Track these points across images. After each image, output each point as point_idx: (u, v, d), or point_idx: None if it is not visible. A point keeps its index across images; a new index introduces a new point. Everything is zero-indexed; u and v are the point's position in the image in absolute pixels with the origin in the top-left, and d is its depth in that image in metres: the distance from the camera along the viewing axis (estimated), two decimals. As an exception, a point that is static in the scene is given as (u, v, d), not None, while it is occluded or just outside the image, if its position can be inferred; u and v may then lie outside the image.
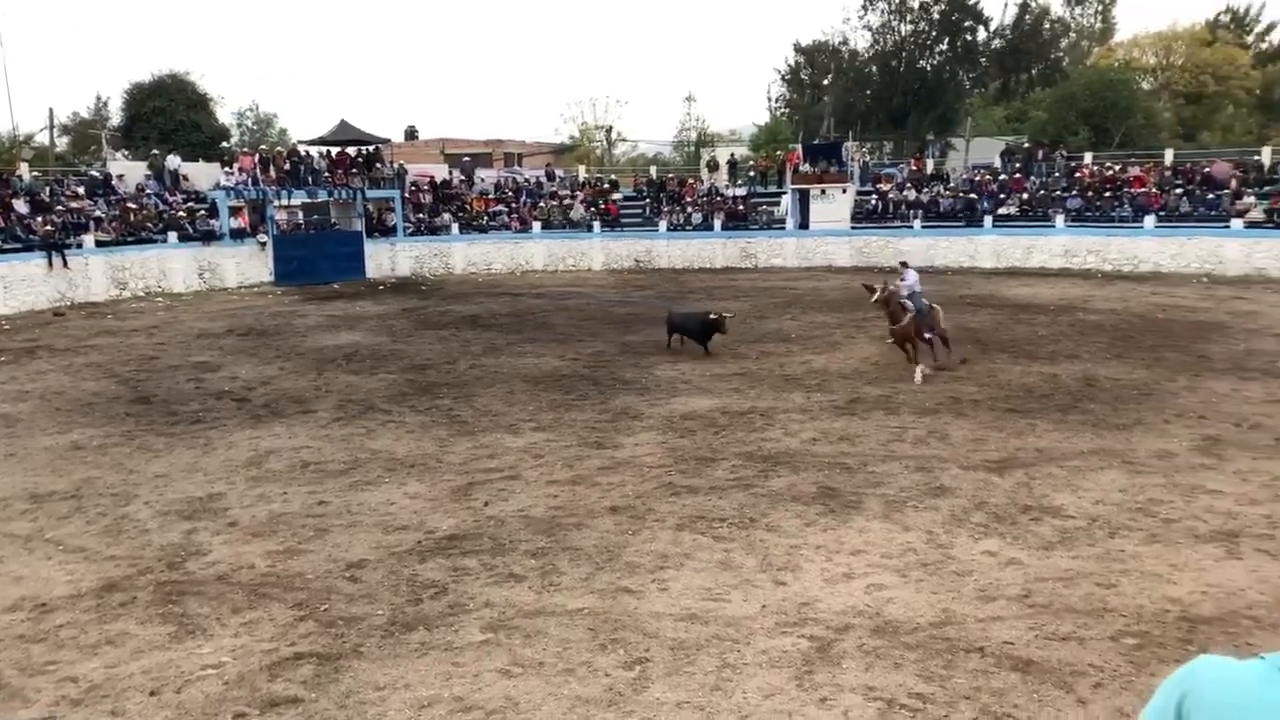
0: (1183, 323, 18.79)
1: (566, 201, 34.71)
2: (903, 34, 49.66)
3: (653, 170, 41.75)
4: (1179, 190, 29.39)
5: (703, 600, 6.63)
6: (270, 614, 6.58)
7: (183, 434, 11.75)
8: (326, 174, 32.38)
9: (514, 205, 34.54)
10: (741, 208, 34.02)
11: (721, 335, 15.99)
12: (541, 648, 5.98)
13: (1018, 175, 32.77)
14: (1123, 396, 12.63)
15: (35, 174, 29.13)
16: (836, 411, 12.19)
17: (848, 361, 15.42)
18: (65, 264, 24.84)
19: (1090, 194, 30.58)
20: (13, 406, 13.37)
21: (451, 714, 5.26)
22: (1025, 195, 31.62)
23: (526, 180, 37.01)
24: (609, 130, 56.66)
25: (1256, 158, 30.91)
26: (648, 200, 35.43)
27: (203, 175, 31.34)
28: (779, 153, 39.93)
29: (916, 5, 48.73)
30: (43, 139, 43.03)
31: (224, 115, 47.36)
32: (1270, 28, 53.38)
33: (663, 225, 33.65)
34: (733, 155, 39.47)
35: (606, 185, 36.80)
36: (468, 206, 34.30)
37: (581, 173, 38.90)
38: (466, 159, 39.76)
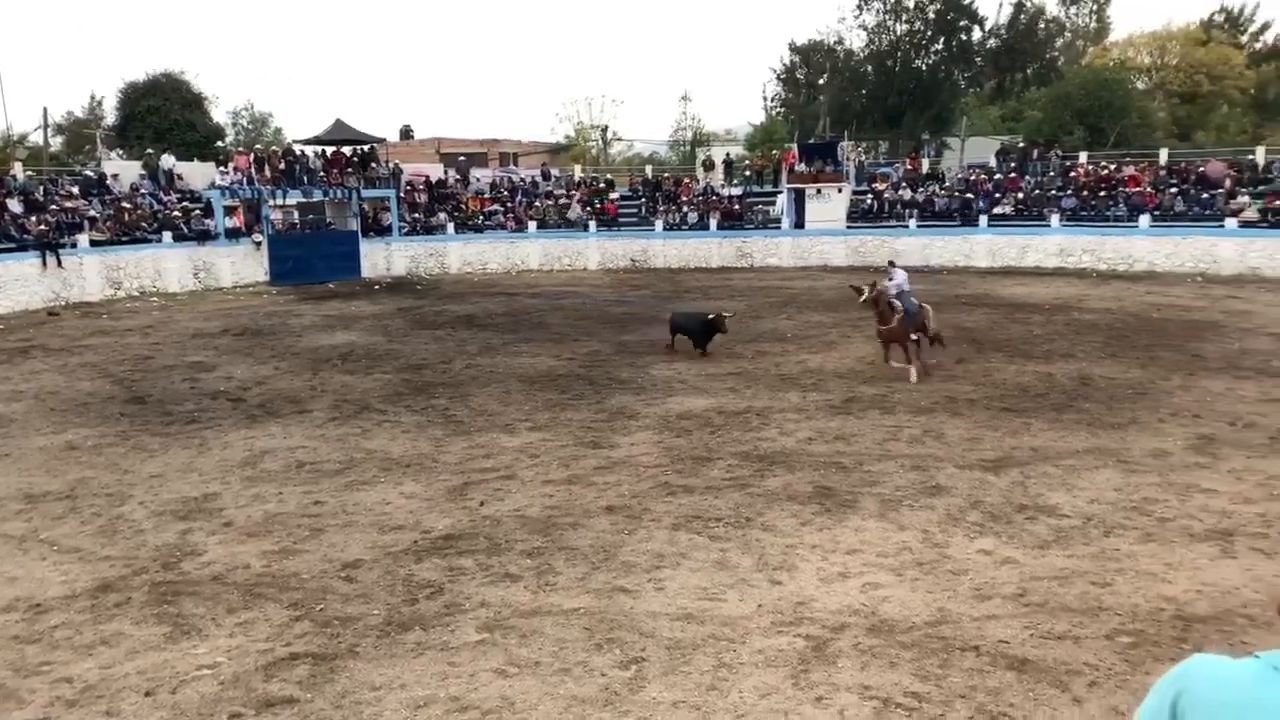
0: (1177, 322, 18.84)
1: (563, 201, 34.70)
2: (898, 33, 49.75)
3: (648, 170, 41.75)
4: (1174, 190, 29.45)
5: (699, 600, 6.63)
6: (266, 614, 6.57)
7: (178, 434, 11.72)
8: (322, 173, 32.34)
9: (509, 205, 34.52)
10: (737, 207, 34.04)
11: (722, 335, 15.97)
12: (537, 647, 5.98)
13: (1013, 175, 32.83)
14: (1118, 395, 12.66)
15: (29, 173, 29.04)
16: (832, 411, 12.20)
17: (843, 361, 15.43)
18: (59, 264, 24.78)
19: (1085, 193, 30.64)
20: (7, 406, 13.34)
21: (447, 714, 5.26)
22: (1020, 195, 31.69)
23: (522, 180, 37.00)
24: (604, 130, 56.71)
25: (1251, 157, 31.02)
26: (643, 200, 35.42)
27: (198, 175, 31.30)
28: (774, 152, 39.95)
29: (912, 5, 48.84)
30: (37, 138, 42.97)
31: (219, 115, 47.34)
32: (1264, 27, 53.61)
33: (658, 225, 33.66)
34: (728, 155, 39.48)
35: (602, 185, 36.78)
36: (463, 206, 34.27)
37: (577, 172, 38.89)
38: (462, 158, 39.75)
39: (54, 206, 26.42)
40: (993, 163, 34.65)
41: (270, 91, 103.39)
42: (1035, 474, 9.38)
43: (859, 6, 49.63)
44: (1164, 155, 32.49)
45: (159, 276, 27.37)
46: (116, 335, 19.83)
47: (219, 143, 44.69)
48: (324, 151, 33.28)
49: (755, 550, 7.52)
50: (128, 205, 28.11)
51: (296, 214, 34.25)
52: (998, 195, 31.93)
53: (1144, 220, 28.77)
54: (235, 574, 7.33)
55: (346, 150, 33.41)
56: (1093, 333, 17.70)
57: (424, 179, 35.14)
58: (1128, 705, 5.11)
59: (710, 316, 16.02)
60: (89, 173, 30.78)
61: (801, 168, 33.81)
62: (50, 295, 24.57)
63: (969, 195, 32.10)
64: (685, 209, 34.18)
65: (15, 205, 25.66)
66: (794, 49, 53.01)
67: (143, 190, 29.47)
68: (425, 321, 21.24)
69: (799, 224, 33.19)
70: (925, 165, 36.20)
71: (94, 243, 26.05)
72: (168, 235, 27.83)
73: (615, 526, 8.13)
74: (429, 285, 29.21)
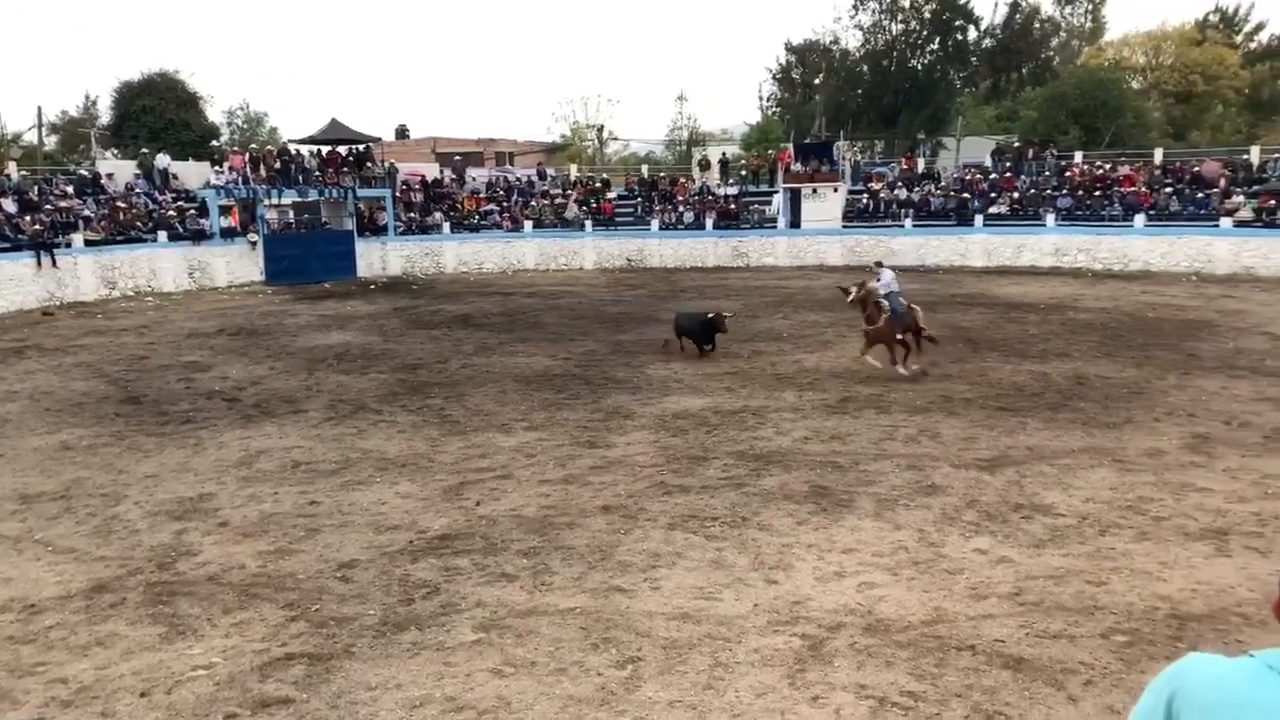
0: (1172, 321, 18.88)
1: (559, 201, 34.68)
2: (894, 33, 49.79)
3: (644, 169, 41.74)
4: (1169, 189, 29.51)
5: (695, 599, 6.63)
6: (261, 614, 6.56)
7: (173, 434, 11.70)
8: (317, 173, 32.29)
9: (505, 204, 34.49)
10: (733, 207, 34.04)
11: (722, 335, 15.89)
12: (534, 647, 5.98)
13: (1008, 174, 32.86)
14: (1113, 395, 12.68)
15: (24, 173, 28.97)
16: (828, 410, 12.21)
17: (839, 360, 15.44)
18: (54, 263, 24.72)
19: (1080, 193, 30.69)
20: (1, 407, 13.30)
21: (443, 714, 5.26)
22: (1016, 194, 31.72)
23: (518, 179, 36.97)
24: (600, 129, 56.68)
25: (1245, 157, 31.07)
26: (640, 199, 35.42)
27: (193, 174, 31.23)
28: (770, 152, 39.96)
29: (907, 4, 48.87)
30: (31, 138, 42.88)
31: (214, 114, 47.22)
32: (1259, 27, 53.60)
33: (655, 224, 33.65)
34: (724, 154, 39.49)
35: (599, 184, 36.78)
36: (459, 205, 34.25)
37: (573, 172, 38.88)
38: (458, 158, 39.73)
39: (49, 206, 26.36)
40: (988, 162, 34.68)
41: (265, 91, 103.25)
42: (1031, 473, 9.39)
43: (855, 6, 49.70)
44: (1159, 155, 32.55)
45: (154, 276, 27.32)
46: (111, 335, 19.79)
47: (214, 142, 44.61)
48: (319, 151, 33.23)
49: (751, 550, 7.53)
50: (122, 205, 28.05)
51: (292, 213, 34.19)
52: (993, 195, 31.97)
53: (1139, 220, 28.82)
54: (231, 574, 7.31)
55: (342, 150, 33.34)
56: (1088, 332, 17.73)
57: (419, 178, 35.10)
58: (1123, 704, 5.12)
59: (710, 315, 15.97)
60: (84, 172, 30.70)
61: (797, 167, 33.82)
62: (45, 295, 24.51)
63: (965, 195, 32.12)
64: (681, 209, 34.18)
65: (10, 205, 25.60)
66: (790, 49, 53.03)
67: (138, 190, 29.40)
68: (421, 321, 21.22)
69: (795, 223, 33.20)
70: (921, 165, 36.22)
71: (89, 242, 25.98)
72: (163, 235, 27.78)
73: (611, 526, 8.13)
74: (425, 285, 29.19)
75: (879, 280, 14.50)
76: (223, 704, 5.40)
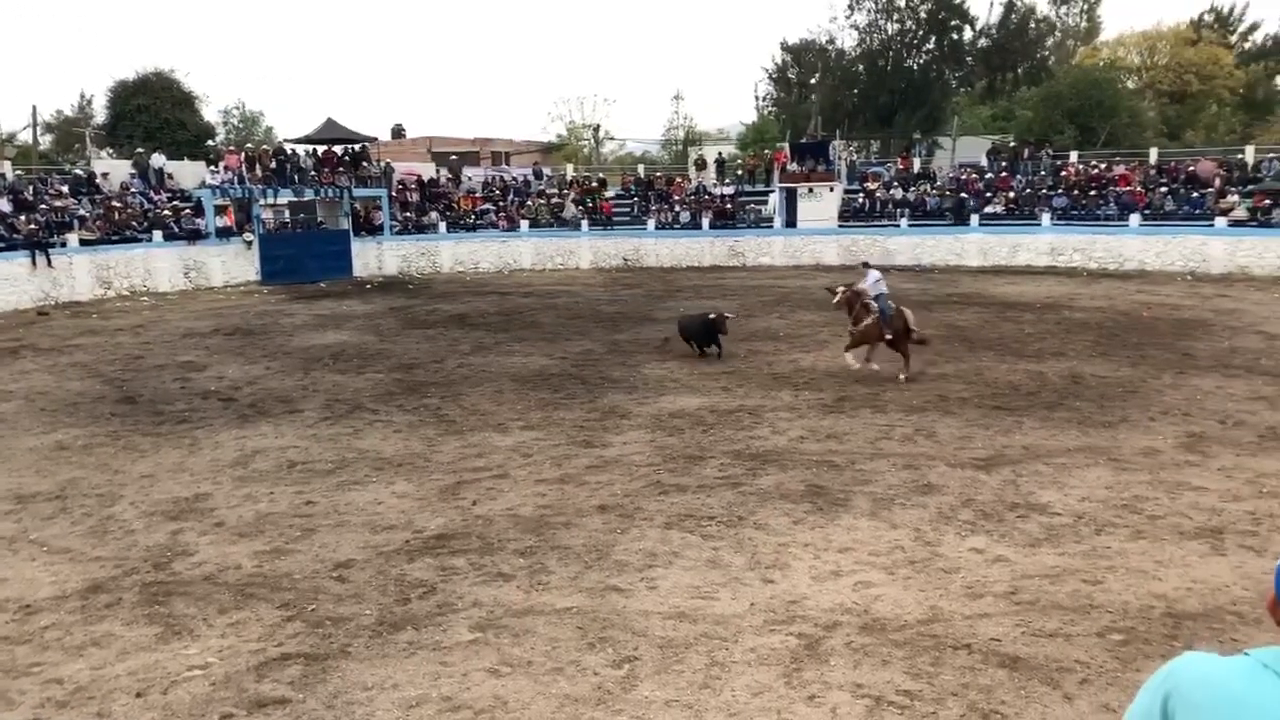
0: (1167, 320, 18.92)
1: (555, 200, 34.66)
2: (889, 33, 49.83)
3: (640, 169, 41.74)
4: (1164, 189, 29.58)
5: (691, 598, 6.64)
6: (257, 614, 6.56)
7: (169, 434, 11.68)
8: (313, 172, 32.24)
9: (501, 204, 34.48)
10: (729, 206, 34.05)
11: (723, 335, 15.69)
12: (530, 647, 5.98)
13: (1004, 174, 32.91)
14: (1108, 394, 12.70)
15: (18, 172, 28.90)
16: (824, 409, 12.22)
17: (835, 360, 15.42)
18: (49, 263, 24.66)
19: (1076, 192, 30.73)
20: (-4, 407, 13.27)
21: (440, 713, 5.25)
22: (1011, 194, 31.76)
23: (514, 179, 36.96)
24: (596, 129, 56.65)
25: (1240, 156, 31.15)
26: (636, 199, 35.42)
27: (188, 174, 31.16)
28: (766, 151, 39.98)
29: (903, 4, 48.89)
30: (26, 137, 42.77)
31: (209, 113, 47.16)
32: (1253, 27, 53.78)
33: (651, 224, 33.65)
34: (720, 154, 39.51)
35: (595, 184, 36.78)
36: (455, 205, 34.21)
37: (570, 171, 38.87)
38: (454, 157, 39.67)
39: (43, 206, 26.30)
40: (984, 162, 34.73)
41: (261, 90, 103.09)
42: (1027, 472, 9.41)
43: (850, 6, 49.67)
44: (1154, 154, 32.63)
45: (149, 276, 27.26)
46: (107, 335, 19.76)
47: (209, 142, 44.53)
48: (315, 150, 33.18)
49: (748, 549, 7.53)
50: (118, 204, 28.00)
51: (288, 213, 34.10)
52: (989, 195, 32.01)
53: (1134, 219, 28.87)
54: (227, 574, 7.31)
55: (338, 149, 33.30)
56: (1083, 331, 17.77)
57: (416, 178, 35.05)
58: (1119, 702, 5.13)
59: (711, 317, 15.78)
60: (79, 172, 30.62)
61: (793, 167, 33.84)
62: (40, 295, 24.45)
63: (963, 195, 32.15)
64: (677, 208, 34.18)
65: (4, 204, 25.53)
66: (786, 48, 53.07)
67: (133, 189, 29.34)
68: (417, 321, 21.21)
69: (791, 223, 33.23)
70: (917, 164, 36.27)
71: (84, 242, 25.93)
72: (158, 234, 27.72)
73: (608, 525, 8.13)
74: (421, 284, 29.16)
75: (865, 280, 14.36)
76: (219, 704, 5.40)
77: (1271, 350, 15.59)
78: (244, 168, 30.83)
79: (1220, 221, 27.56)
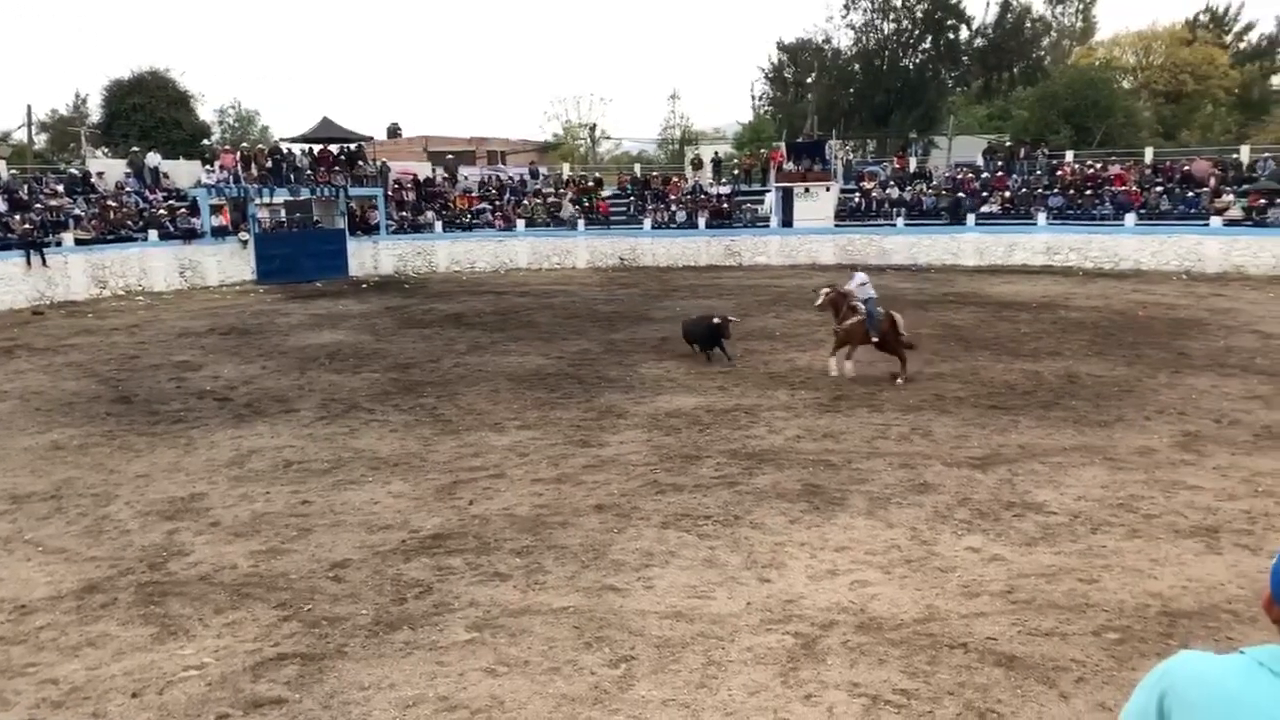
0: (1163, 320, 18.96)
1: (552, 200, 34.65)
2: (885, 32, 49.89)
3: (637, 168, 41.74)
4: (1159, 188, 29.64)
5: (688, 598, 6.64)
6: (253, 614, 6.54)
7: (164, 434, 11.66)
8: (309, 172, 32.22)
9: (498, 203, 34.46)
10: (726, 206, 34.07)
11: (726, 340, 15.36)
12: (527, 646, 5.97)
13: (1000, 173, 32.96)
14: (1104, 393, 12.73)
15: (13, 172, 28.84)
16: (820, 409, 12.22)
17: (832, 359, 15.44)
18: (44, 262, 24.61)
19: (1071, 192, 30.80)
20: (-9, 406, 13.24)
21: (436, 713, 5.25)
22: (1007, 193, 31.81)
23: (510, 178, 36.94)
24: (593, 128, 56.64)
25: (1235, 156, 31.24)
26: (632, 198, 35.42)
27: (183, 173, 31.12)
28: (763, 151, 40.01)
29: (899, 4, 48.95)
30: (20, 136, 42.67)
31: (205, 113, 47.09)
32: (1248, 27, 53.91)
33: (647, 223, 33.66)
34: (717, 153, 39.56)
35: (591, 183, 36.78)
36: (451, 204, 34.20)
37: (566, 170, 38.85)
38: (450, 156, 39.63)
39: (38, 205, 26.23)
40: (980, 161, 34.78)
41: (257, 89, 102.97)
42: (1023, 471, 9.42)
43: (846, 6, 49.74)
44: (1149, 154, 32.69)
45: (145, 275, 27.21)
46: (102, 334, 19.72)
47: (205, 141, 44.47)
48: (311, 150, 33.16)
49: (744, 548, 7.53)
50: (113, 204, 27.94)
51: (283, 212, 34.09)
52: (985, 194, 32.04)
53: (1130, 219, 28.93)
54: (222, 574, 7.29)
55: (334, 148, 33.28)
56: (1079, 331, 17.79)
57: (411, 177, 35.05)
58: (1115, 701, 5.14)
59: (715, 321, 15.45)
60: (74, 171, 30.57)
61: (789, 166, 33.88)
62: (35, 294, 24.40)
63: (960, 195, 32.18)
64: (674, 208, 34.20)
65: (-1, 204, 25.49)
66: (782, 48, 53.10)
67: (128, 189, 29.28)
68: (413, 320, 21.19)
69: (787, 222, 33.25)
70: (913, 164, 36.33)
71: (79, 241, 25.87)
72: (153, 234, 27.67)
73: (604, 525, 8.13)
74: (417, 284, 29.14)
75: (851, 283, 14.07)
76: (215, 704, 5.39)
77: (1266, 349, 15.63)
78: (239, 167, 30.80)
79: (1215, 221, 27.64)
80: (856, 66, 50.57)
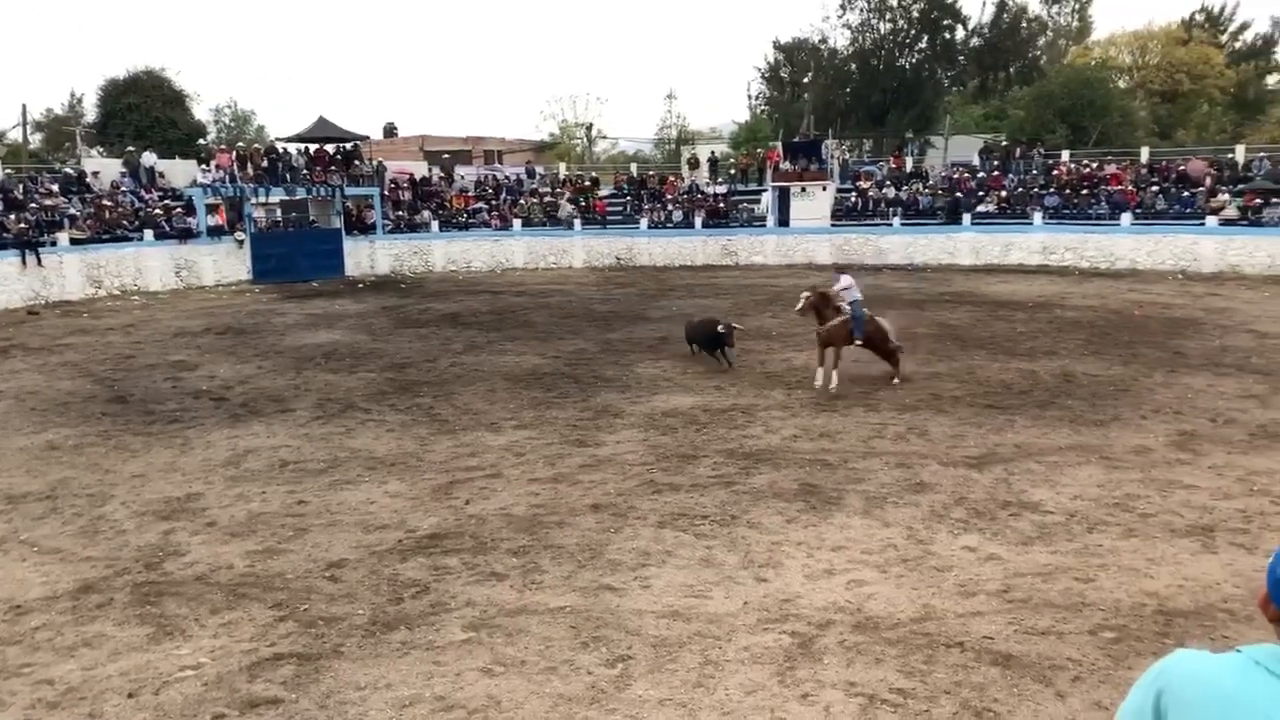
0: (1159, 319, 18.99)
1: (548, 199, 34.62)
2: (882, 32, 49.92)
3: (633, 168, 41.72)
4: (1155, 188, 29.68)
5: (685, 597, 6.64)
6: (249, 614, 6.54)
7: (160, 433, 11.64)
8: (305, 171, 32.17)
9: (494, 203, 34.44)
10: (722, 205, 34.07)
11: (729, 347, 15.17)
12: (523, 646, 5.97)
13: (996, 173, 32.99)
14: (1100, 393, 12.74)
15: (8, 171, 28.79)
16: (817, 408, 12.23)
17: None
18: (39, 262, 24.56)
19: (1068, 192, 30.83)
20: (-14, 406, 13.20)
21: (433, 713, 5.24)
22: (1003, 193, 31.85)
23: (507, 178, 36.91)
24: (589, 127, 56.65)
25: (1230, 156, 31.29)
26: (629, 198, 35.41)
27: (179, 172, 31.07)
28: (759, 150, 40.03)
29: (895, 3, 48.98)
30: (15, 135, 42.58)
31: (200, 112, 47.02)
32: (1244, 27, 53.99)
33: (644, 223, 33.64)
34: (713, 153, 39.53)
35: (588, 183, 36.76)
36: (447, 204, 34.16)
37: (562, 170, 38.83)
38: (446, 156, 39.62)
39: (34, 204, 26.18)
40: (976, 161, 34.81)
41: (252, 89, 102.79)
42: (1019, 471, 9.43)
43: (843, 5, 49.76)
44: (1145, 154, 32.73)
45: (140, 275, 27.16)
46: (97, 334, 19.68)
47: (200, 140, 44.41)
48: (307, 149, 33.10)
49: (741, 548, 7.54)
50: (108, 203, 27.89)
51: (279, 212, 34.05)
52: (981, 194, 32.08)
53: (1125, 218, 28.97)
54: (219, 574, 7.28)
55: (330, 148, 33.23)
56: (1075, 330, 17.82)
57: (408, 177, 35.00)
58: (1111, 700, 5.15)
59: (719, 329, 15.15)
60: (69, 170, 30.52)
61: (786, 166, 33.88)
62: (30, 294, 24.35)
63: (959, 195, 32.21)
64: (670, 207, 34.19)
65: (-6, 203, 25.43)
66: (778, 47, 53.13)
67: (123, 188, 29.23)
68: (409, 320, 21.17)
69: (784, 222, 33.25)
70: (909, 163, 36.34)
71: (74, 241, 25.82)
72: (149, 233, 27.61)
73: (601, 525, 8.13)
74: (413, 283, 29.11)
75: (837, 285, 13.62)
76: (211, 704, 5.38)
77: (1262, 348, 15.66)
78: (235, 166, 30.76)
79: (1211, 220, 27.68)
80: (853, 66, 50.60)
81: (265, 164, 31.61)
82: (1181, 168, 30.39)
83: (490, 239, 33.04)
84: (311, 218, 33.10)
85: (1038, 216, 30.23)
